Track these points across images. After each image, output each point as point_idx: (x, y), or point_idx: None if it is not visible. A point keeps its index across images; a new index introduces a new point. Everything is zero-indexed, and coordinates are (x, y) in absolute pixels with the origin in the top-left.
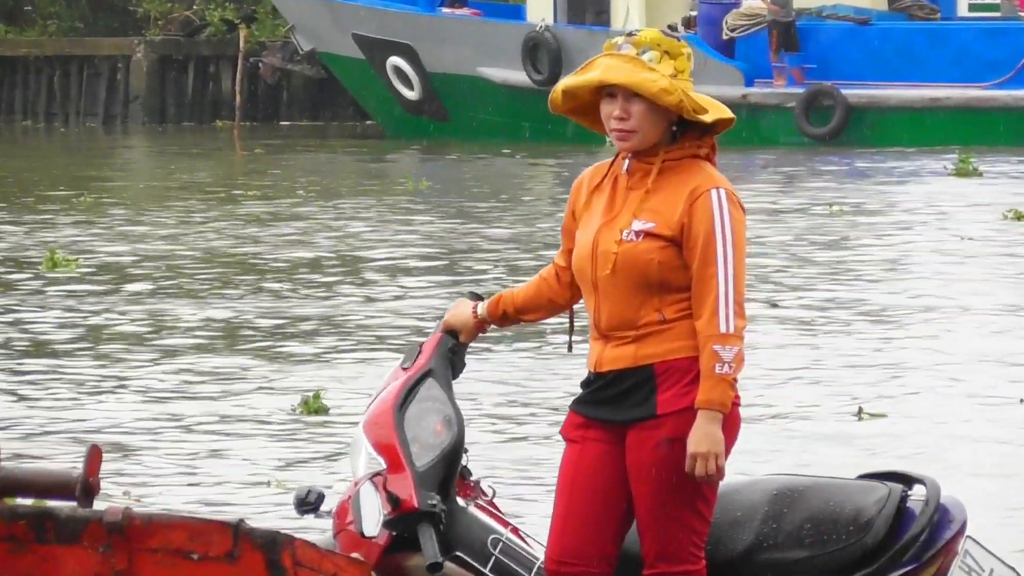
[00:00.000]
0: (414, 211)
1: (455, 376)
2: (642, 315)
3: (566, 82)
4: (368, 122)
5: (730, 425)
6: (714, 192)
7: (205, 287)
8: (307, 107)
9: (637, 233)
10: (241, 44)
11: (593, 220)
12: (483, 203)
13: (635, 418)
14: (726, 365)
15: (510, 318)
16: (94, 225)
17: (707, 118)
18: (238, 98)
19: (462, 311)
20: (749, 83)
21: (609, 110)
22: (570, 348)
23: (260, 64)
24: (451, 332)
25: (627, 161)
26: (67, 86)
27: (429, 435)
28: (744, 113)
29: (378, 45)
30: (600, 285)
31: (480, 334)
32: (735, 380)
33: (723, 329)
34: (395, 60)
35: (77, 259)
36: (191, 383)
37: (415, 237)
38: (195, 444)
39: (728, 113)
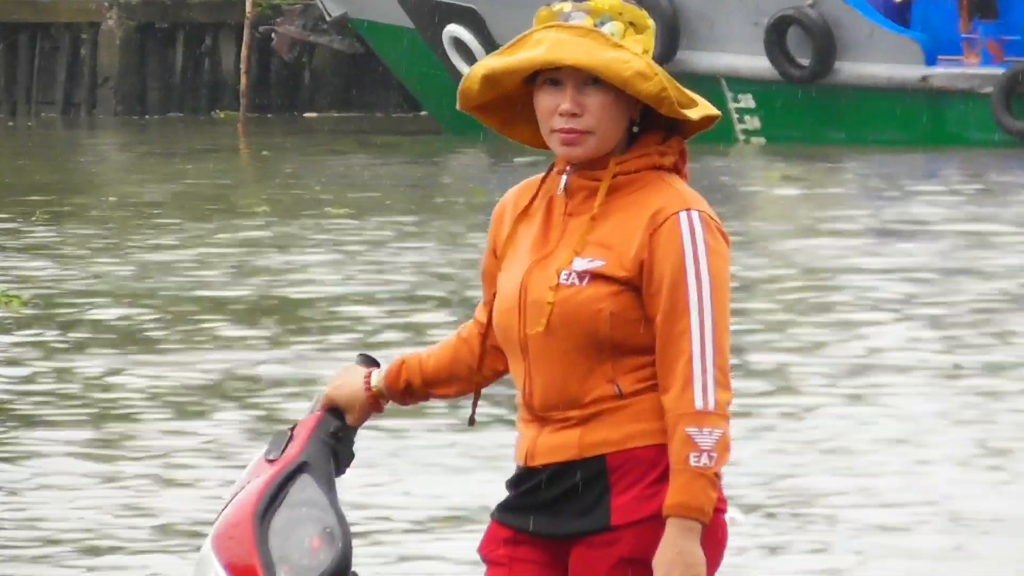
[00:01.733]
0: (479, 234)
1: (339, 471)
2: (589, 388)
3: (490, 63)
4: (420, 113)
5: (712, 539)
6: (683, 216)
7: (176, 354)
8: (337, 93)
9: (580, 275)
10: (248, 8)
11: (519, 259)
12: None
13: (582, 531)
14: (704, 455)
15: (416, 392)
16: (47, 253)
17: (694, 114)
18: (243, 81)
19: (350, 382)
20: (930, 61)
21: (552, 103)
22: (471, 421)
23: (273, 35)
24: (334, 411)
25: (564, 177)
26: (14, 63)
27: (302, 554)
28: (924, 101)
29: (433, 9)
30: (531, 347)
31: (375, 414)
32: (718, 475)
33: (699, 405)
34: (455, 29)
35: (19, 297)
36: None
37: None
38: None
39: (712, 109)
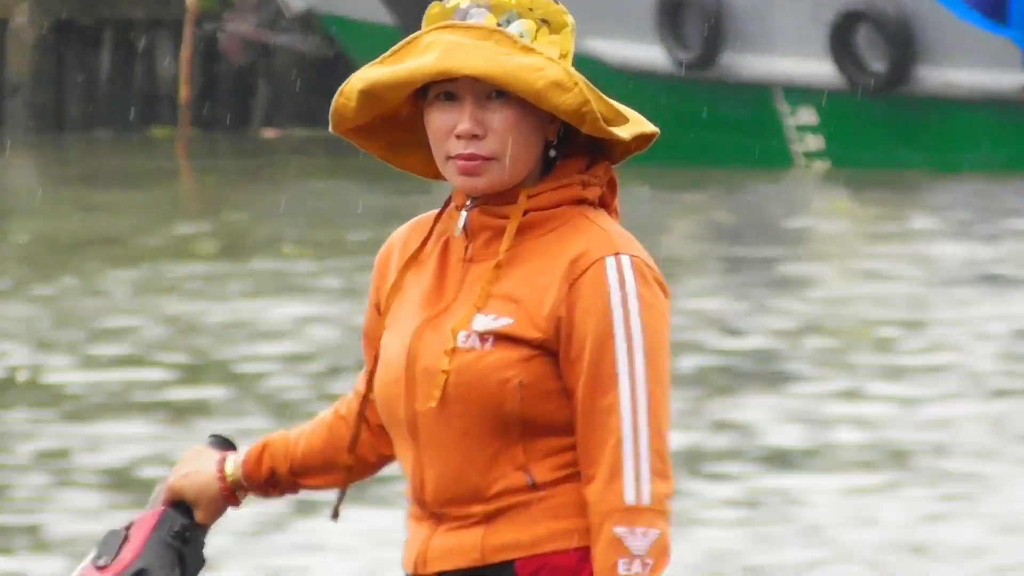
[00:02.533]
0: None
1: None
2: (495, 477)
3: (369, 75)
4: None
5: None
6: (611, 263)
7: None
8: (300, 106)
9: (482, 336)
10: (189, 1)
11: (407, 316)
12: None
13: None
14: (637, 562)
15: (282, 482)
16: None
17: (624, 133)
18: (184, 91)
19: (199, 470)
20: None
21: (446, 123)
22: (335, 515)
23: (221, 35)
24: (180, 506)
25: (464, 214)
26: None
27: None
28: (1020, 117)
29: (420, 2)
30: (422, 427)
31: (232, 507)
32: None
33: (630, 499)
34: None
35: None
36: None
37: None
38: None
39: (647, 126)
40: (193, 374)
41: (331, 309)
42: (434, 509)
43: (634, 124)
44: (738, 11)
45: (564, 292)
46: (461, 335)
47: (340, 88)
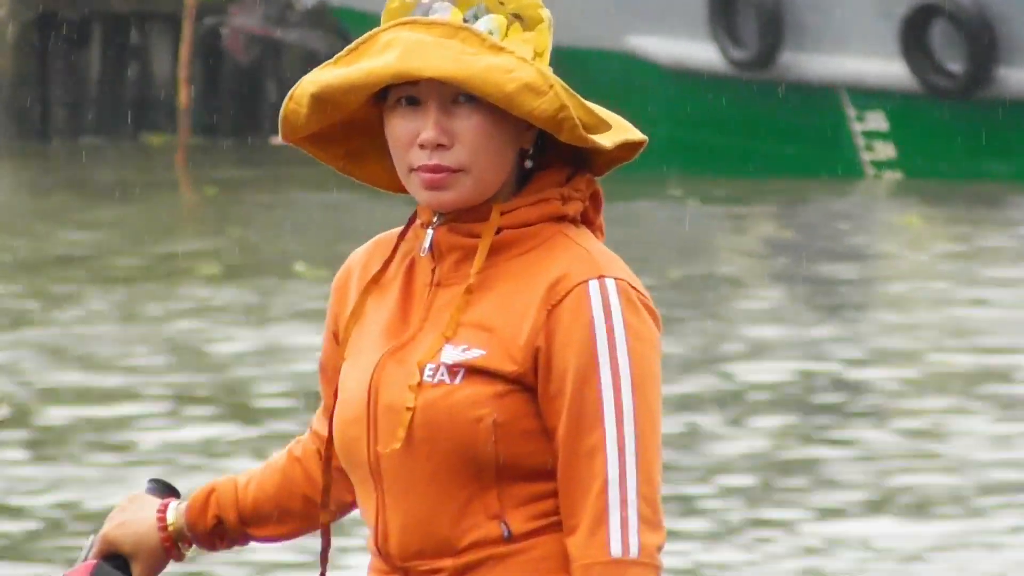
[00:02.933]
0: None
1: None
2: (467, 527)
3: (321, 77)
4: None
5: None
6: (594, 287)
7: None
8: None
9: (452, 369)
10: None
11: (368, 347)
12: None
13: None
14: None
15: (230, 532)
16: None
17: (606, 141)
18: (184, 93)
19: (137, 518)
20: None
21: (409, 131)
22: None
23: (224, 31)
24: (114, 559)
25: (430, 232)
26: None
27: None
28: None
29: None
30: (385, 471)
31: (174, 561)
32: None
33: (617, 552)
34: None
35: None
36: None
37: None
38: None
39: (634, 133)
40: (189, 408)
41: None
42: (399, 563)
43: (618, 131)
44: (799, 4)
45: (542, 319)
46: (428, 368)
47: (290, 92)
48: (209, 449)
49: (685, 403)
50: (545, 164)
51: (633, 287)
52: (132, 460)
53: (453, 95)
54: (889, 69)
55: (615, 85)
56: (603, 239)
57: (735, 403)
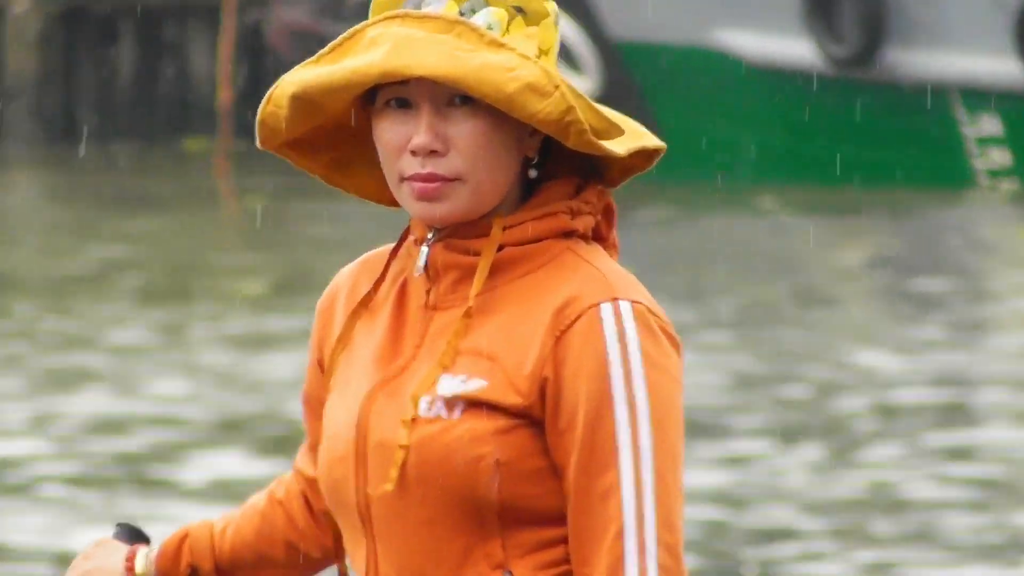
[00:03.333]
0: None
1: None
2: (465, 575)
3: (302, 77)
4: None
5: None
6: (607, 310)
7: None
8: None
9: (450, 403)
10: None
11: (357, 376)
12: (734, 328)
13: None
14: None
15: None
16: None
17: (617, 148)
18: (224, 93)
19: (104, 565)
20: None
21: (399, 136)
22: None
23: (268, 25)
24: None
25: (425, 249)
26: None
27: None
28: None
29: None
30: (375, 516)
31: None
32: None
33: None
34: None
35: None
36: None
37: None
38: None
39: (650, 139)
40: (230, 437)
41: None
42: None
43: (632, 137)
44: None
45: (550, 347)
46: (423, 401)
47: (268, 93)
48: (259, 482)
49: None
50: (552, 174)
51: (651, 311)
52: (172, 495)
53: (448, 96)
54: (1002, 67)
55: (699, 85)
56: (617, 257)
57: (838, 432)
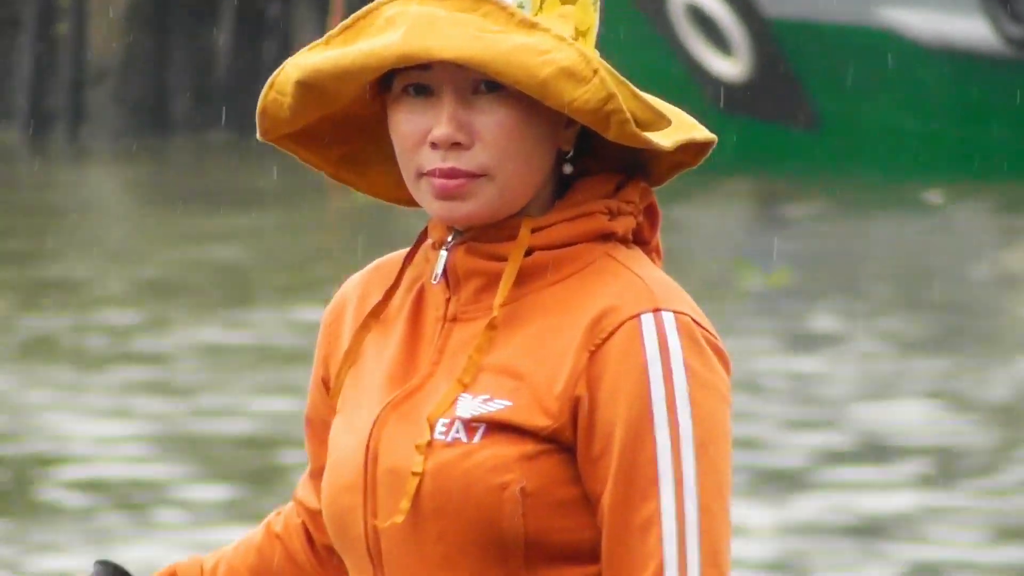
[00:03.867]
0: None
1: None
2: None
3: (309, 61)
4: None
5: None
6: (648, 322)
7: None
8: None
9: (470, 425)
10: None
11: (367, 396)
12: (932, 339)
13: None
14: None
15: None
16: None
17: (663, 141)
18: None
19: None
20: None
21: (418, 126)
22: None
23: None
24: None
25: (444, 253)
26: None
27: None
28: None
29: None
30: (386, 551)
31: None
32: None
33: None
34: None
35: None
36: None
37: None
38: None
39: (702, 132)
40: None
41: None
42: None
43: (679, 128)
44: None
45: (584, 363)
46: (440, 424)
47: (271, 78)
48: None
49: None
50: (589, 170)
51: (697, 323)
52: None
53: (473, 83)
54: None
55: (860, 67)
56: (660, 263)
57: None
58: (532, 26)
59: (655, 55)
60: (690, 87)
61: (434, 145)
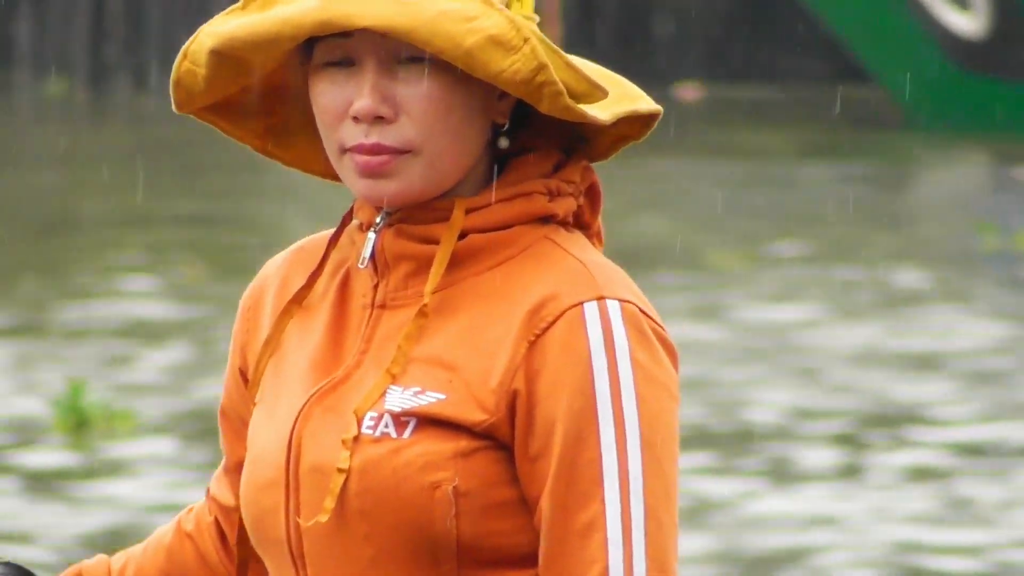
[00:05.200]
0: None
1: None
2: None
3: (223, 29)
4: (863, 86)
5: None
6: (591, 311)
7: None
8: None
9: (400, 419)
10: None
11: (288, 388)
12: None
13: None
14: None
15: None
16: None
17: (601, 114)
18: (553, 28)
19: None
20: None
21: (339, 100)
22: None
23: None
24: None
25: (371, 235)
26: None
27: None
28: None
29: None
30: (309, 553)
31: None
32: None
33: None
34: None
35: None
36: None
37: None
38: None
39: (646, 103)
40: None
41: None
42: None
43: (621, 100)
44: None
45: (522, 355)
46: (368, 418)
47: (184, 47)
48: None
49: None
50: (527, 145)
51: (644, 312)
52: None
53: (397, 53)
54: None
55: None
56: (602, 248)
57: None
58: None
59: (888, 9)
60: (924, 43)
61: (356, 119)
